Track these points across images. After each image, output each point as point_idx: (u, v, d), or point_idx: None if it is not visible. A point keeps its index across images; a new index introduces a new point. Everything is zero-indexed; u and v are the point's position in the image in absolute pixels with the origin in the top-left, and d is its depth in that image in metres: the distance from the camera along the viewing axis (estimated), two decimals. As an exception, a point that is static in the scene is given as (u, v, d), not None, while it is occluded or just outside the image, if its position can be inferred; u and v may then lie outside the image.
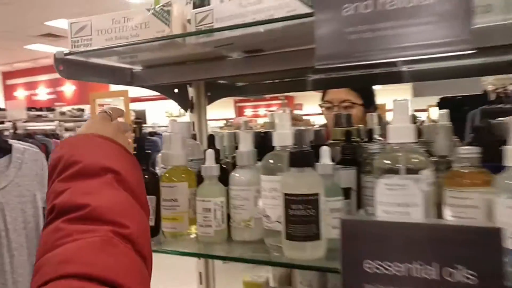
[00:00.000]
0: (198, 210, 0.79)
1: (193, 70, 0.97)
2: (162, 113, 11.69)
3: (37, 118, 6.43)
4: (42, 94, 10.97)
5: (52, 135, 4.29)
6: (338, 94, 1.73)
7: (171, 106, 11.86)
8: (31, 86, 10.97)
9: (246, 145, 0.79)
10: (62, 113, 8.58)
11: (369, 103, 1.84)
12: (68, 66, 0.84)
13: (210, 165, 0.79)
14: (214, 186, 0.79)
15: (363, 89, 1.78)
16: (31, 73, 10.55)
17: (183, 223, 0.81)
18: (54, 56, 0.82)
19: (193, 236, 0.82)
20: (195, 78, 1.00)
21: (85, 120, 8.03)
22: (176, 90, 1.15)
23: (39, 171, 2.35)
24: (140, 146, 0.84)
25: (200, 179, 0.82)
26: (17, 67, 10.44)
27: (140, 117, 5.43)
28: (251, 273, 1.25)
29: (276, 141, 0.74)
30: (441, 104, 3.06)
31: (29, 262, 2.30)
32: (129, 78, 1.00)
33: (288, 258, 0.66)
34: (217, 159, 0.82)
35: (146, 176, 0.83)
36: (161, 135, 5.09)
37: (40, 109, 8.04)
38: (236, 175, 0.78)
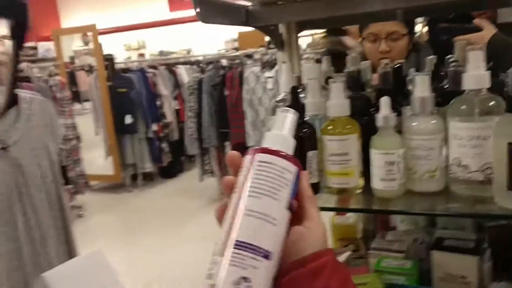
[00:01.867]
0: (376, 164, 0.73)
1: (317, 6, 0.86)
2: (120, 47, 11.00)
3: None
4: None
5: (23, 78, 3.91)
6: (385, 25, 1.65)
7: (129, 38, 11.15)
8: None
9: (423, 89, 0.72)
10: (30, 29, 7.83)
11: (413, 31, 1.78)
12: (205, 7, 0.71)
13: (387, 114, 0.72)
14: (394, 137, 0.73)
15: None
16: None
17: (354, 177, 0.75)
18: (194, -5, 0.69)
19: (360, 190, 0.77)
20: (321, 15, 0.89)
21: (41, 60, 7.45)
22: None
23: (48, 120, 2.16)
24: (296, 96, 0.75)
25: (365, 130, 0.76)
26: None
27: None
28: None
29: (469, 84, 0.67)
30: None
31: (52, 216, 2.20)
32: (244, 17, 0.87)
33: (507, 208, 0.64)
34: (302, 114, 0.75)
35: (305, 130, 0.76)
36: (135, 71, 4.80)
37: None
38: (414, 124, 0.72)
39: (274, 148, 0.44)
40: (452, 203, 0.73)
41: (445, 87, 0.83)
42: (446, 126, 0.72)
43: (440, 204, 0.73)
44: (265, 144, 0.45)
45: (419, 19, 1.85)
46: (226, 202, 0.44)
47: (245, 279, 0.39)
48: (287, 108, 0.47)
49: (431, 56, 1.10)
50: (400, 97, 0.89)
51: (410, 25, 1.72)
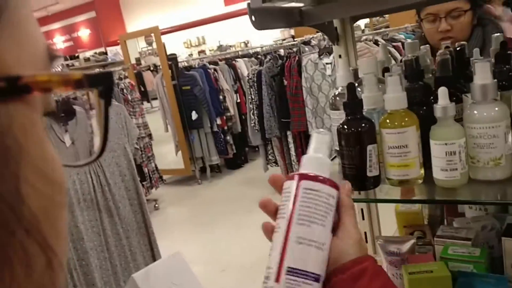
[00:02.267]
0: (437, 154, 0.74)
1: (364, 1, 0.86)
2: (180, 45, 11.40)
3: (70, 69, 6.34)
4: (59, 42, 10.76)
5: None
6: (445, 3, 1.58)
7: (188, 36, 11.50)
8: (46, 36, 10.73)
9: (484, 76, 0.71)
10: (87, 59, 8.46)
11: (477, 4, 1.68)
12: (260, 15, 0.75)
13: (446, 105, 0.72)
14: (454, 127, 0.73)
15: None
16: (44, 22, 10.26)
17: (415, 168, 0.76)
18: (249, 5, 0.73)
19: (421, 181, 0.78)
20: (376, 8, 0.89)
21: (110, 64, 7.89)
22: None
23: (123, 123, 2.35)
24: (353, 93, 0.77)
25: (422, 120, 0.76)
26: (57, 50, 10.15)
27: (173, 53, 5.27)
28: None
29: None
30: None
31: (132, 211, 2.39)
32: (298, 17, 0.90)
33: None
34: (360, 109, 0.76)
35: (363, 124, 0.78)
36: (197, 68, 4.97)
37: (65, 58, 7.93)
38: (476, 112, 0.72)
39: (317, 174, 0.47)
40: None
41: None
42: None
43: (506, 191, 0.72)
44: (305, 169, 0.48)
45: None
46: (273, 224, 0.48)
47: None
48: (321, 130, 0.50)
49: (497, 34, 1.05)
50: (464, 81, 0.87)
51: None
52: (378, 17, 7.75)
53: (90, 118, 2.10)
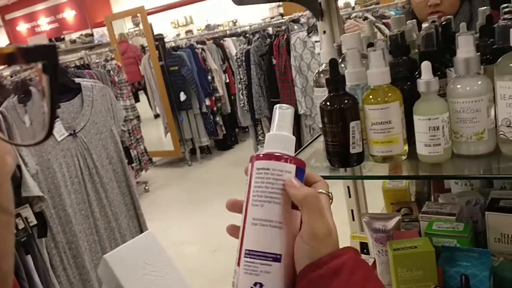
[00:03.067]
0: (420, 130, 0.73)
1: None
2: (167, 25, 11.20)
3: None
4: (44, 24, 10.50)
5: (83, 66, 4.14)
6: None
7: (176, 16, 11.30)
8: (31, 17, 10.47)
9: (467, 50, 0.70)
10: (73, 41, 8.28)
11: None
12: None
13: (429, 79, 0.71)
14: (437, 101, 0.72)
15: None
16: (28, 3, 9.98)
17: (398, 144, 0.76)
18: (227, -21, 0.70)
19: (405, 157, 0.78)
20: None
21: (97, 45, 7.75)
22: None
23: (109, 105, 2.31)
24: (335, 69, 0.75)
25: (407, 96, 0.75)
26: None
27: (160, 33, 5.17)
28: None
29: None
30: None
31: (121, 193, 2.38)
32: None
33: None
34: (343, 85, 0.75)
35: (346, 101, 0.76)
36: (184, 49, 4.90)
37: (50, 40, 7.76)
38: (459, 87, 0.71)
39: (270, 152, 0.45)
40: (503, 164, 0.71)
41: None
42: (495, 86, 0.69)
43: (489, 166, 0.72)
44: (267, 148, 0.46)
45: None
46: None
47: (259, 284, 0.43)
48: (284, 105, 0.47)
49: (484, 8, 1.03)
50: (449, 56, 0.86)
51: None
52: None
53: (41, 99, 2.07)
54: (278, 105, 0.48)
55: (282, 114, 0.47)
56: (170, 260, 0.55)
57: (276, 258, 0.43)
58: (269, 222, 0.43)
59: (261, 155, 0.45)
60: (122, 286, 0.53)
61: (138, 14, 5.18)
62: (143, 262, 0.54)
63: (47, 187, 2.03)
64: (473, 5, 1.59)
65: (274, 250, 0.43)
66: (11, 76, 2.47)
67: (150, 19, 5.00)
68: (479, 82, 0.69)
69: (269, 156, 0.45)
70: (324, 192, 0.46)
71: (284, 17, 5.12)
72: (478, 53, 0.70)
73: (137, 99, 5.79)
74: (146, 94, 5.33)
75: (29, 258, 1.94)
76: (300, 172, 0.45)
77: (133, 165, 4.12)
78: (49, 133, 0.26)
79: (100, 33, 8.67)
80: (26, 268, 1.93)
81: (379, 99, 0.75)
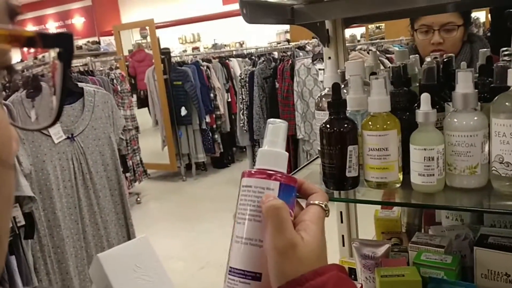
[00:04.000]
0: (416, 159, 0.74)
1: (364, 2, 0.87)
2: (175, 40, 11.36)
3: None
4: (52, 28, 10.63)
5: (87, 72, 4.18)
6: (439, 16, 1.60)
7: (184, 32, 11.47)
8: (39, 21, 10.60)
9: (466, 86, 0.72)
10: (79, 47, 8.36)
11: (469, 21, 1.72)
12: (251, 8, 0.75)
13: (428, 111, 0.73)
14: (434, 133, 0.74)
15: None
16: (38, 7, 10.13)
17: (393, 172, 0.77)
18: (240, -3, 0.73)
19: (398, 185, 0.79)
20: (368, 11, 0.90)
21: (103, 53, 7.80)
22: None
23: (110, 112, 2.33)
24: (337, 93, 0.77)
25: (405, 125, 0.77)
26: (24, 1, 10.01)
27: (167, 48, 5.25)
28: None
29: (514, 81, 0.67)
30: None
31: (112, 201, 2.36)
32: (290, 15, 0.91)
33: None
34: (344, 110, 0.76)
35: (346, 125, 0.78)
36: (190, 64, 4.96)
37: (58, 45, 7.82)
38: (455, 120, 0.73)
39: (257, 169, 0.44)
40: (494, 199, 0.73)
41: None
42: (490, 123, 0.71)
43: (480, 200, 0.73)
44: (256, 165, 0.45)
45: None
46: None
47: None
48: (277, 120, 0.46)
49: (485, 49, 1.07)
50: (449, 91, 0.88)
51: (466, 16, 1.66)
52: (374, 28, 7.83)
53: (52, 95, 2.09)
54: (270, 119, 0.47)
55: (274, 129, 0.46)
56: (161, 266, 0.55)
57: (255, 277, 0.42)
58: (249, 240, 0.43)
59: (247, 172, 0.45)
60: (112, 286, 0.53)
61: (147, 27, 5.26)
62: (135, 265, 0.54)
63: (38, 188, 2.03)
64: (474, 48, 1.64)
65: (253, 269, 0.42)
66: (22, 71, 2.49)
67: (158, 32, 5.08)
68: (476, 118, 0.71)
69: (253, 173, 0.44)
70: (317, 203, 0.45)
71: (290, 43, 5.22)
72: (476, 90, 0.72)
73: (145, 105, 5.79)
74: (147, 105, 5.36)
75: (13, 259, 1.92)
76: (286, 189, 0.43)
77: (127, 175, 4.11)
78: (57, 119, 0.27)
79: (106, 42, 8.78)
80: (8, 268, 1.90)
81: (378, 125, 0.76)
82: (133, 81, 6.74)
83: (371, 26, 7.49)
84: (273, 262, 0.40)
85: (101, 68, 4.42)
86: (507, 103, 0.68)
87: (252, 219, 0.43)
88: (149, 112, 5.15)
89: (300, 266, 0.40)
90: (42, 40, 0.24)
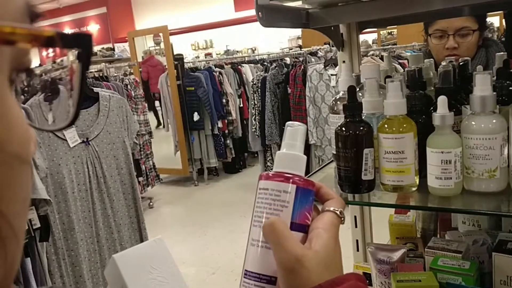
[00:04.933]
0: (432, 162, 0.74)
1: (377, 7, 0.87)
2: (187, 46, 11.46)
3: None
4: (68, 35, 10.81)
5: (101, 77, 4.23)
6: (453, 20, 1.59)
7: (197, 38, 11.57)
8: (56, 27, 10.78)
9: (484, 88, 0.71)
10: (94, 54, 8.48)
11: (484, 26, 1.70)
12: (267, 12, 0.76)
13: (445, 113, 0.73)
14: (451, 136, 0.73)
15: None
16: (54, 15, 10.32)
17: (410, 175, 0.76)
18: (256, 2, 0.74)
19: (415, 188, 0.78)
20: (382, 15, 0.90)
21: (117, 60, 7.91)
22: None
23: (124, 117, 2.35)
24: (353, 95, 0.77)
25: (421, 128, 0.76)
26: (40, 9, 10.20)
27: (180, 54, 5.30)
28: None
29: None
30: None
31: (126, 205, 2.38)
32: (305, 19, 0.91)
33: None
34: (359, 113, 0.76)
35: (362, 128, 0.78)
36: (202, 70, 4.99)
37: (73, 51, 7.93)
38: (473, 123, 0.72)
39: (275, 172, 0.44)
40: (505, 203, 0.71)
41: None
42: (509, 126, 0.71)
43: (499, 204, 0.72)
44: (274, 168, 0.45)
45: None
46: None
47: None
48: (295, 122, 0.46)
49: (501, 53, 1.06)
50: (465, 95, 0.88)
51: (481, 20, 1.65)
52: (386, 34, 7.80)
53: (69, 98, 2.12)
54: (289, 122, 0.47)
55: (292, 132, 0.45)
56: (176, 268, 0.55)
57: (271, 281, 0.42)
58: (265, 243, 0.42)
59: (264, 174, 0.44)
60: (127, 287, 0.53)
61: (161, 34, 5.32)
62: (150, 266, 0.54)
63: (54, 191, 2.05)
64: (489, 52, 1.62)
65: (269, 273, 0.42)
66: (41, 75, 2.54)
67: (172, 39, 5.13)
68: (494, 121, 0.71)
69: (270, 176, 0.44)
70: (332, 210, 0.44)
71: (302, 49, 5.22)
72: (495, 93, 0.72)
73: (150, 108, 5.84)
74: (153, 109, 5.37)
75: (28, 261, 1.94)
76: (303, 193, 0.43)
77: (140, 179, 4.13)
78: (74, 119, 0.27)
79: (121, 48, 8.89)
80: (23, 270, 1.93)
81: (394, 128, 0.76)
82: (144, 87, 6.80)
83: (383, 32, 7.46)
84: (282, 279, 0.40)
85: (115, 74, 4.47)
86: (527, 106, 0.67)
87: None
88: (154, 116, 5.18)
89: (310, 278, 0.39)
90: (62, 40, 0.24)
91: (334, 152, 0.85)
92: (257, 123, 4.15)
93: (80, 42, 0.25)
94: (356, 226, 1.20)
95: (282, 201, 0.42)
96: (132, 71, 4.89)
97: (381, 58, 4.11)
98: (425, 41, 1.75)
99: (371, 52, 4.95)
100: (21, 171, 0.25)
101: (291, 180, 0.43)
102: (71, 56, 0.26)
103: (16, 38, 0.21)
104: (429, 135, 0.75)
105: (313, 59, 4.44)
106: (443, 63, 0.97)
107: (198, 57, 8.55)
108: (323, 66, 3.76)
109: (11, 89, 0.24)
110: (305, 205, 0.42)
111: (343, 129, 0.78)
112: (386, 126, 0.77)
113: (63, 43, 0.24)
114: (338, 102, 0.94)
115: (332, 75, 3.69)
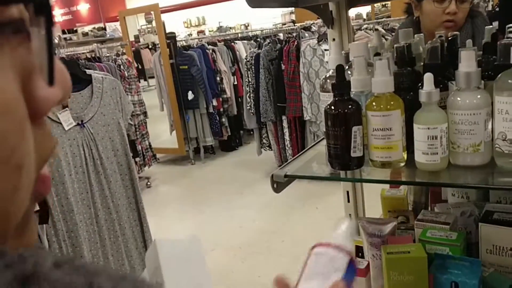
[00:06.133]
0: (419, 138, 0.76)
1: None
2: (180, 24, 11.29)
3: (68, 42, 6.25)
4: (57, 15, 10.61)
5: (94, 58, 4.19)
6: None
7: (189, 16, 11.39)
8: (45, 7, 10.55)
9: (468, 64, 0.72)
10: (85, 34, 8.37)
11: None
12: (254, -8, 0.76)
13: (431, 90, 0.74)
14: (437, 112, 0.74)
15: None
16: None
17: (398, 151, 0.78)
18: (243, -18, 0.74)
19: (403, 164, 0.80)
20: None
21: (109, 39, 7.81)
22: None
23: (118, 98, 2.35)
24: (341, 74, 0.78)
25: (409, 105, 0.78)
26: None
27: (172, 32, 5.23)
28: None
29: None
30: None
31: (123, 186, 2.41)
32: (293, -2, 0.91)
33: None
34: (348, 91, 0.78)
35: (350, 106, 0.79)
36: (195, 48, 4.94)
37: (63, 32, 7.82)
38: (459, 99, 0.73)
39: (329, 242, 0.50)
40: (497, 176, 0.74)
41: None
42: (493, 101, 0.72)
43: (484, 177, 0.74)
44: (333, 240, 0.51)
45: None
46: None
47: None
48: (345, 217, 0.53)
49: (490, 26, 1.06)
50: (453, 70, 0.89)
51: None
52: (380, 7, 7.70)
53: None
54: (341, 218, 0.54)
55: (343, 224, 0.52)
56: (205, 267, 0.58)
57: None
58: None
59: (320, 243, 0.51)
60: (161, 272, 0.55)
61: (152, 12, 5.24)
62: (185, 259, 0.57)
63: (51, 174, 2.07)
64: (475, 23, 1.61)
65: None
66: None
67: (163, 17, 5.05)
68: (479, 96, 0.72)
69: (327, 245, 0.50)
70: None
71: (295, 24, 5.16)
72: (479, 68, 0.73)
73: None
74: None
75: (29, 243, 1.97)
76: (353, 268, 0.49)
77: (137, 159, 4.15)
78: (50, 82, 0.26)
79: (112, 28, 8.76)
80: (26, 252, 1.96)
81: (381, 106, 0.77)
82: (139, 67, 6.74)
83: (377, 5, 7.37)
84: None
85: (107, 54, 4.42)
86: (510, 81, 0.68)
87: (321, 279, 0.48)
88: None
89: None
90: None
91: (324, 130, 0.86)
92: (252, 100, 4.15)
93: None
94: (348, 201, 1.23)
95: (336, 263, 0.48)
96: (124, 51, 4.84)
97: (375, 31, 4.08)
98: (415, 8, 1.70)
99: (364, 26, 4.90)
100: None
101: (347, 253, 0.50)
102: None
103: None
104: (417, 111, 0.77)
105: (306, 34, 4.40)
106: (432, 40, 0.98)
107: (191, 35, 8.44)
108: (316, 42, 3.74)
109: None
110: (351, 277, 0.49)
111: (332, 107, 0.79)
112: (374, 103, 0.78)
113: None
114: (328, 81, 0.95)
115: (326, 50, 3.66)
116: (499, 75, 0.70)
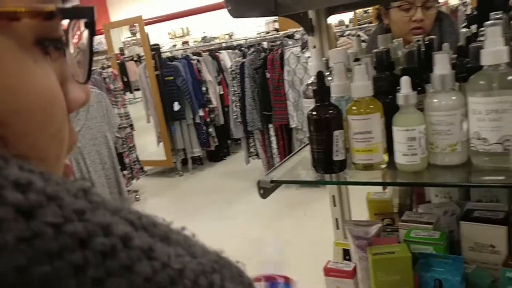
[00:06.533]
0: (399, 140, 0.78)
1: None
2: (164, 35, 11.31)
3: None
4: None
5: (78, 72, 4.17)
6: None
7: (173, 27, 11.41)
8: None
9: (442, 67, 0.75)
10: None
11: None
12: (236, 4, 0.78)
13: (408, 93, 0.76)
14: (415, 114, 0.77)
15: None
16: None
17: (378, 153, 0.80)
18: (223, -7, 0.76)
19: (384, 166, 0.82)
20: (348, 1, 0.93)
21: (94, 53, 7.90)
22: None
23: (104, 111, 2.35)
24: (322, 80, 0.80)
25: (388, 108, 0.80)
26: None
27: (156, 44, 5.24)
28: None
29: (487, 59, 0.70)
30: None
31: (112, 199, 2.39)
32: (273, 8, 0.93)
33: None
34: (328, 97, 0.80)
35: (331, 111, 0.81)
36: (180, 59, 4.96)
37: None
38: (435, 101, 0.76)
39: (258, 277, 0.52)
40: (474, 175, 0.76)
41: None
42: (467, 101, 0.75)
43: (461, 176, 0.76)
44: None
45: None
46: None
47: None
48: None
49: (465, 30, 1.10)
50: (431, 73, 0.91)
51: None
52: (362, 13, 7.82)
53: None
54: None
55: None
56: None
57: None
58: None
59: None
60: None
61: (136, 24, 5.25)
62: None
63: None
64: (442, 26, 1.66)
65: None
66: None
67: (147, 29, 5.06)
68: (453, 97, 0.75)
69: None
70: None
71: (279, 32, 5.21)
72: (453, 71, 0.76)
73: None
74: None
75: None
76: None
77: (124, 172, 4.13)
78: (89, 77, 0.32)
79: (97, 41, 8.71)
80: None
81: (361, 110, 0.80)
82: (125, 79, 6.72)
83: (359, 11, 7.49)
84: None
85: (93, 68, 4.40)
86: (481, 82, 0.71)
87: None
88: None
89: None
90: (64, 13, 0.27)
91: (308, 135, 0.88)
92: (238, 109, 4.16)
93: (84, 13, 0.29)
94: (334, 205, 1.24)
95: None
96: (110, 64, 4.82)
97: (358, 37, 4.15)
98: (384, 15, 1.73)
99: (347, 32, 4.98)
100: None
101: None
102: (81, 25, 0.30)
103: (19, 15, 0.25)
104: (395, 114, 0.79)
105: (290, 42, 4.44)
106: (410, 44, 1.01)
107: (175, 46, 8.45)
108: (300, 49, 3.78)
109: (44, 57, 0.27)
110: None
111: (314, 113, 0.81)
112: (354, 108, 0.80)
113: (68, 15, 0.28)
114: (310, 87, 0.97)
115: (309, 57, 3.71)
116: (471, 77, 0.73)
